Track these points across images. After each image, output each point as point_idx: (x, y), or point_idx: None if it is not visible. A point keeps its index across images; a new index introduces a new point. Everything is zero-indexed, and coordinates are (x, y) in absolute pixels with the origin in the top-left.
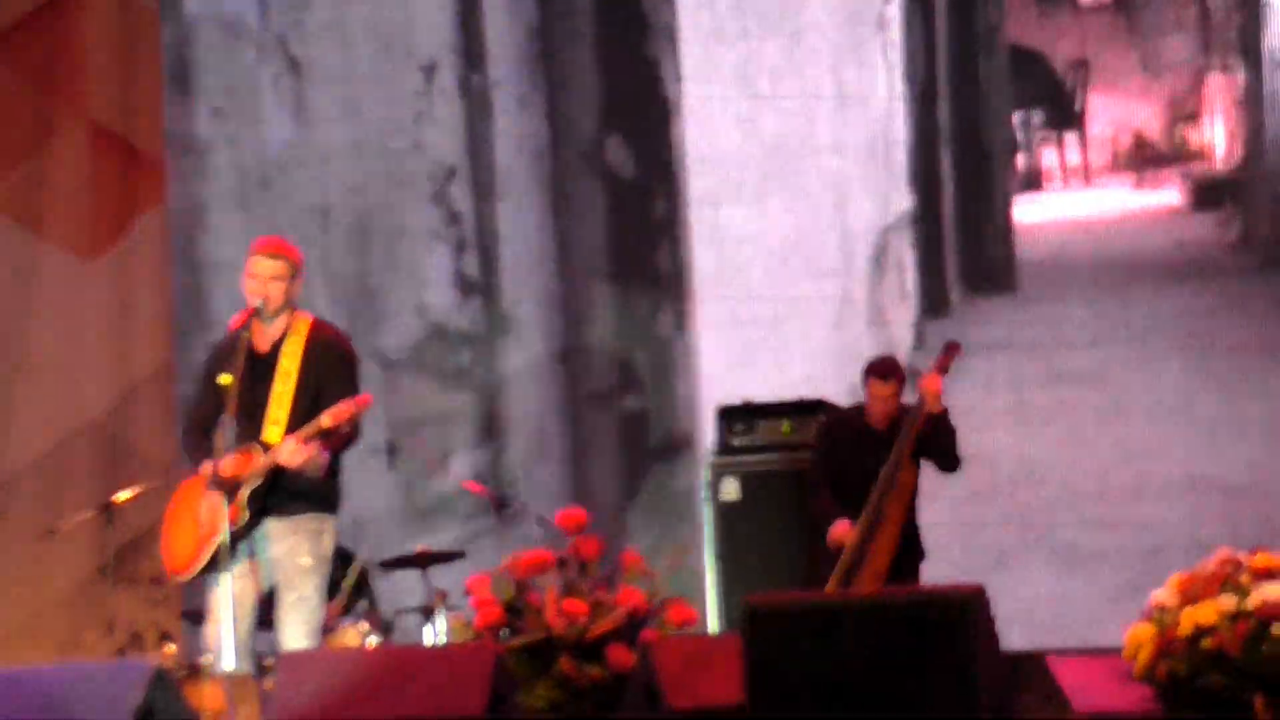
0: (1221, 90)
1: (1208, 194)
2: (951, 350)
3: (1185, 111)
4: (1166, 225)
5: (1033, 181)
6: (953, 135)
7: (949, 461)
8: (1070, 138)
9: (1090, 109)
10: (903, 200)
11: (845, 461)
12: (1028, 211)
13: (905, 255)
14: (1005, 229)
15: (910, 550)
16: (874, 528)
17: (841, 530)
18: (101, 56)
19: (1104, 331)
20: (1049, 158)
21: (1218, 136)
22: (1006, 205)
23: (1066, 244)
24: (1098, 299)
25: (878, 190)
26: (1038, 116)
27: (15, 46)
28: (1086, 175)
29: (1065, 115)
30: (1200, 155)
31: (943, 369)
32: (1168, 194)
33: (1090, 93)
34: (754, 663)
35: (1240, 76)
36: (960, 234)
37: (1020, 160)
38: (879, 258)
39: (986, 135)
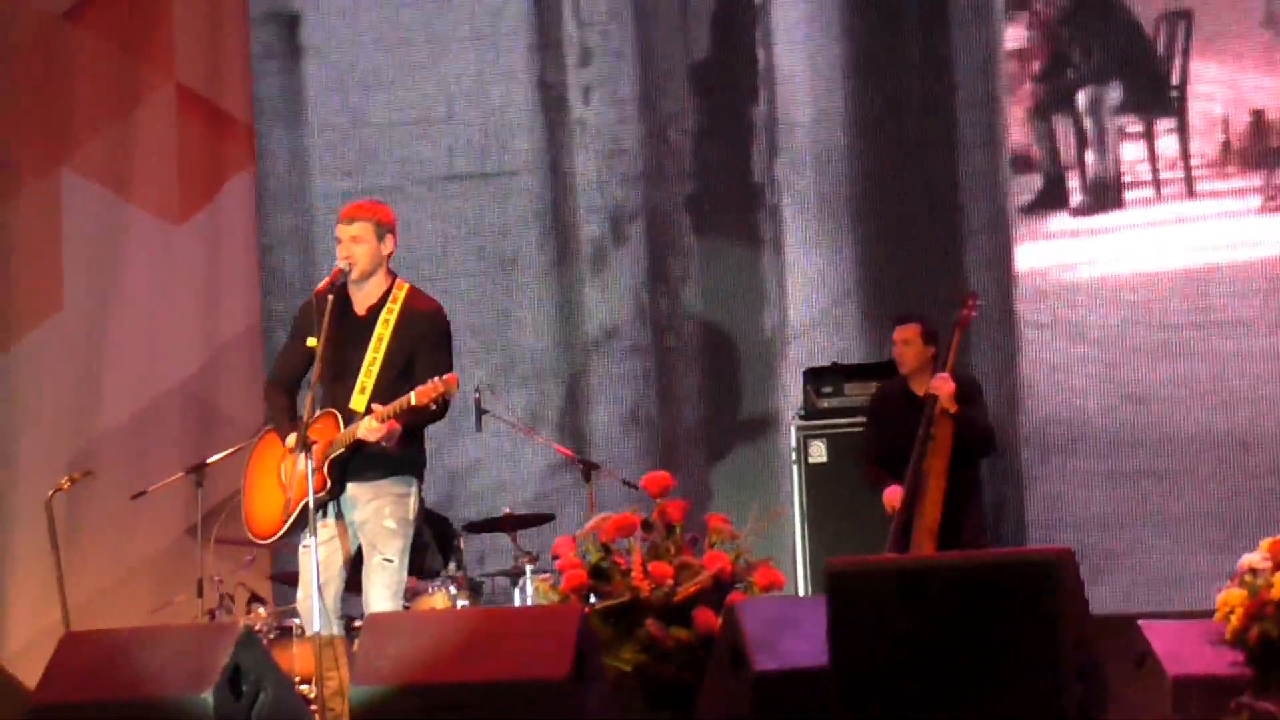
0: None
1: None
2: (970, 301)
3: None
4: None
5: (1106, 195)
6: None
7: (976, 446)
8: (1164, 125)
9: (1193, 82)
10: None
11: (895, 431)
12: (1087, 254)
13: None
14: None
15: (967, 506)
16: (918, 487)
17: (893, 492)
18: (189, 20)
19: None
20: (1130, 153)
21: None
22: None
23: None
24: None
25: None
26: (1114, 94)
27: (104, 11)
28: (1189, 180)
29: (1156, 93)
30: None
31: (963, 324)
32: None
33: (1193, 59)
34: (837, 625)
35: None
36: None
37: (1090, 161)
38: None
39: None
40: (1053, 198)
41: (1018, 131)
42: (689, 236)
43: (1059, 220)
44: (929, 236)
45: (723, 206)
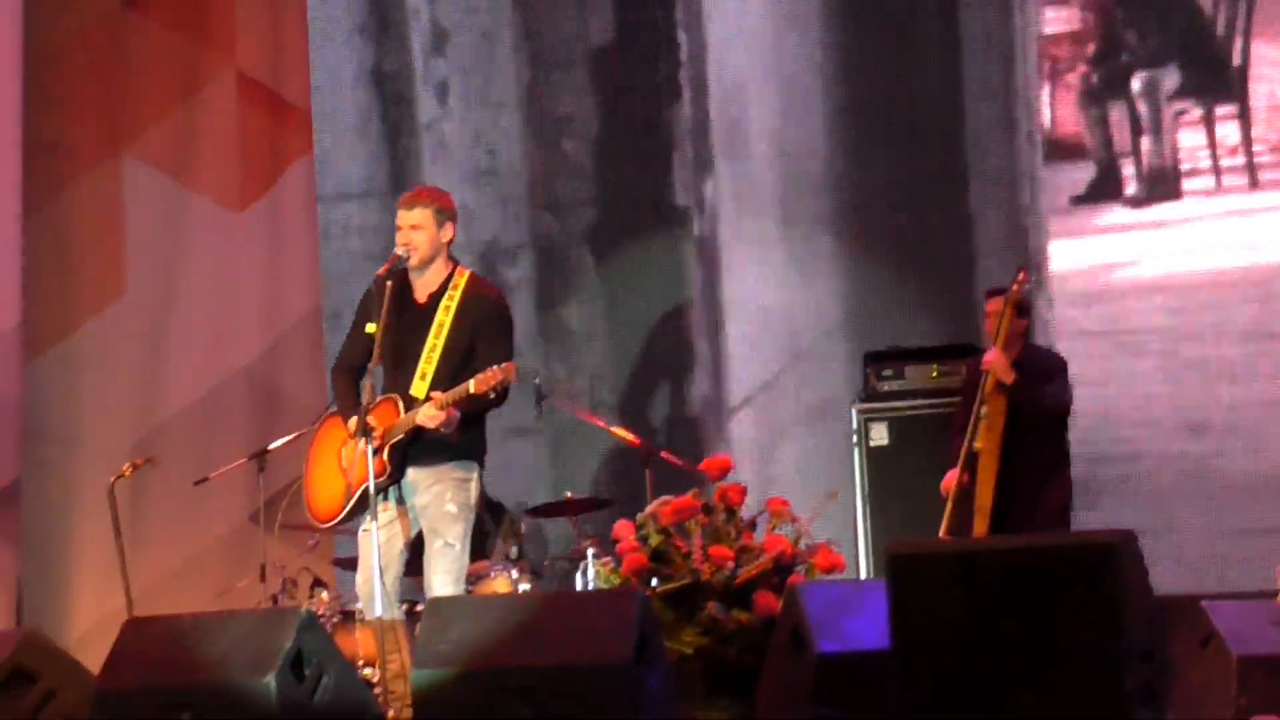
0: None
1: None
2: (1022, 278)
3: None
4: None
5: (1163, 185)
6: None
7: (1039, 419)
8: (1224, 111)
9: (1254, 64)
10: None
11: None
12: (1139, 251)
13: None
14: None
15: (1033, 487)
16: (973, 465)
17: (948, 479)
18: (249, 6)
19: None
20: (1189, 141)
21: None
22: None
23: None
24: None
25: None
26: (1171, 79)
27: None
28: (1251, 169)
29: (1216, 76)
30: None
31: (1014, 301)
32: None
33: (1255, 40)
34: (898, 608)
35: None
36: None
37: (1145, 148)
38: None
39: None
40: (1105, 188)
41: (1067, 119)
42: (591, 277)
43: (1109, 214)
44: (935, 249)
45: (635, 236)
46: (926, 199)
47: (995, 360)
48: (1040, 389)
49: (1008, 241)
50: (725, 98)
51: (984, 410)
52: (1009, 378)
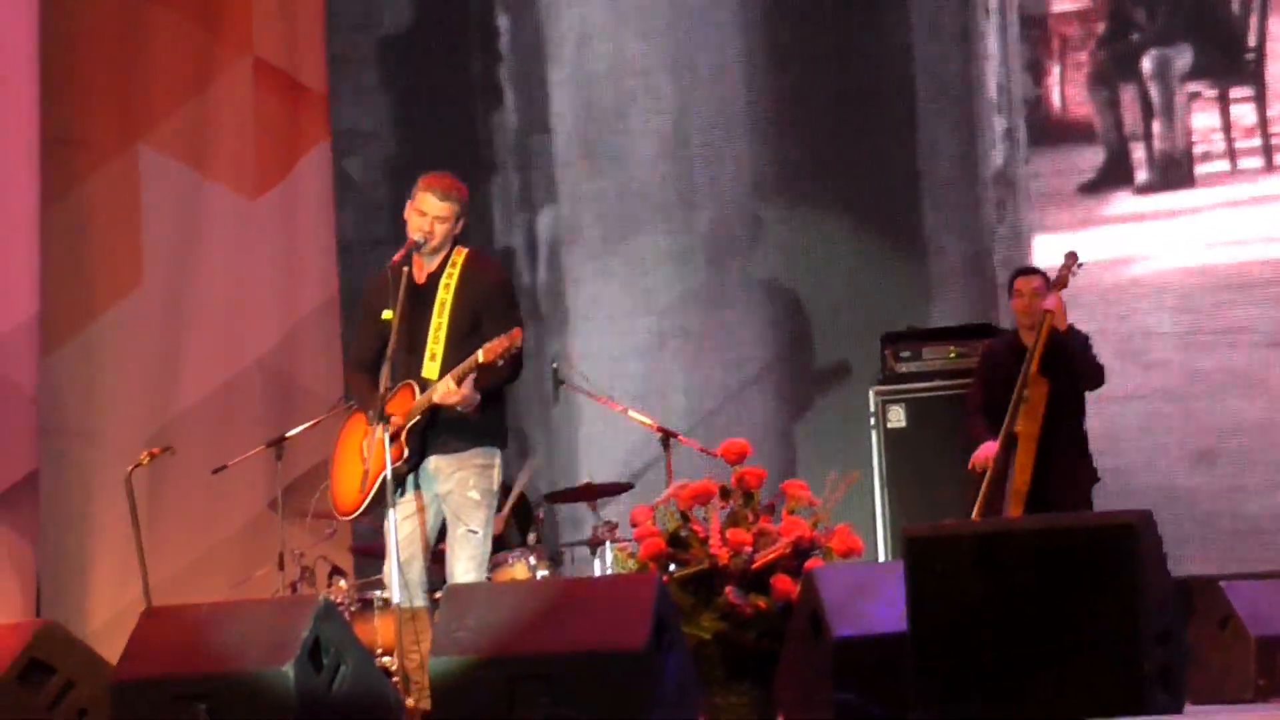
0: None
1: None
2: (1069, 261)
3: None
4: None
5: (1175, 170)
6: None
7: (1086, 378)
8: (1240, 92)
9: (1271, 42)
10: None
11: (1003, 385)
12: (1147, 244)
13: None
14: None
15: (1067, 468)
16: (1010, 448)
17: (982, 453)
18: None
19: None
20: (1203, 122)
21: None
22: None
23: None
24: None
25: None
26: (1184, 59)
27: None
28: (1267, 152)
29: (1231, 56)
30: None
31: (1061, 284)
32: None
33: (1271, 17)
34: (915, 591)
35: None
36: None
37: (1156, 132)
38: None
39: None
40: (1115, 174)
41: (1076, 101)
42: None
43: (1115, 203)
44: (890, 262)
45: None
46: (870, 205)
47: (1056, 304)
48: (1086, 349)
49: (971, 255)
50: (592, 95)
51: (1026, 394)
52: (1064, 323)
